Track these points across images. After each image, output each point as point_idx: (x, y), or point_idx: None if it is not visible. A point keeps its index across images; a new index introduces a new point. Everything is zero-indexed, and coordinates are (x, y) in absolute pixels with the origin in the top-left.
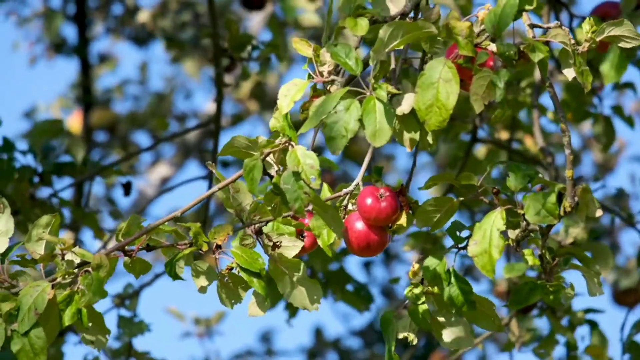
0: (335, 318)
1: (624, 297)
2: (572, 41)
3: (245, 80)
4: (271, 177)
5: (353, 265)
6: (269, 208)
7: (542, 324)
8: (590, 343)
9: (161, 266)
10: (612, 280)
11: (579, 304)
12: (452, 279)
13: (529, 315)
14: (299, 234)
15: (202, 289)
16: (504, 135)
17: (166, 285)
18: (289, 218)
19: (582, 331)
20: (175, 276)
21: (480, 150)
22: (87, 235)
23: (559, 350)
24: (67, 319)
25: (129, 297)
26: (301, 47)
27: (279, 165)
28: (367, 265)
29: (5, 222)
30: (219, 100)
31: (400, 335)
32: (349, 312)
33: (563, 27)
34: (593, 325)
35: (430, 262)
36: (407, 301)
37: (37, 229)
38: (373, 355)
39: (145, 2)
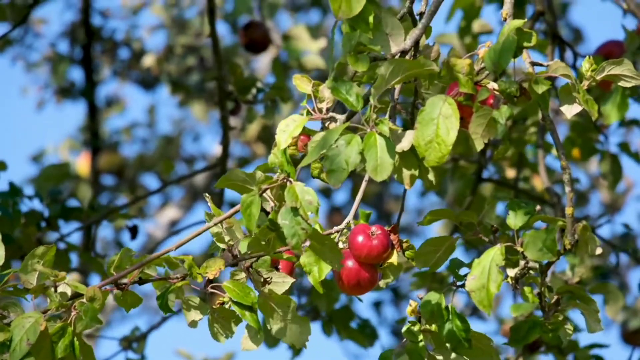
0: (346, 357)
1: (634, 338)
2: (574, 76)
3: (251, 123)
4: (267, 213)
5: (362, 305)
6: (263, 243)
7: None
8: None
9: None
10: (621, 320)
11: (587, 342)
12: (450, 316)
13: (536, 354)
14: (274, 265)
15: (193, 324)
16: (510, 173)
17: (175, 327)
18: (281, 254)
19: None
20: (166, 309)
21: (487, 188)
22: (95, 280)
23: None
24: (60, 351)
25: (136, 340)
26: (301, 83)
27: (276, 202)
28: (377, 305)
29: None
30: (225, 142)
31: None
32: (360, 352)
33: (564, 61)
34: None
35: (429, 299)
36: (405, 339)
37: (31, 259)
38: None
39: (152, 45)
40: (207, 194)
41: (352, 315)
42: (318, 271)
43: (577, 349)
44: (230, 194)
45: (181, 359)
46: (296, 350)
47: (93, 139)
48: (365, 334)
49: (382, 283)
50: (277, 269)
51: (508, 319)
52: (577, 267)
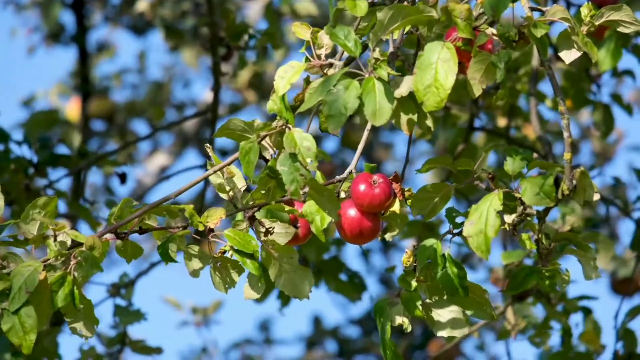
0: (333, 306)
1: (622, 287)
2: (573, 20)
3: (243, 69)
4: (266, 160)
5: (351, 254)
6: (263, 192)
7: (538, 311)
8: (584, 329)
9: (157, 255)
10: (611, 269)
11: (576, 292)
12: (447, 264)
13: (525, 302)
14: (293, 223)
15: (195, 273)
16: (502, 122)
17: (163, 275)
18: (281, 204)
19: (577, 318)
20: (168, 258)
21: (480, 138)
22: (83, 227)
23: (554, 338)
24: (60, 300)
25: (124, 287)
26: (299, 30)
27: (275, 149)
28: (365, 254)
29: None
30: (216, 89)
31: (395, 323)
32: (348, 301)
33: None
34: (586, 311)
35: (425, 246)
36: (401, 289)
37: (32, 209)
38: (371, 344)
39: None
40: (208, 145)
41: (341, 266)
42: (320, 220)
43: (565, 299)
44: (220, 141)
45: (169, 306)
46: (285, 300)
47: (83, 84)
48: (354, 286)
49: (388, 236)
50: (297, 227)
51: (497, 267)
52: (568, 216)
